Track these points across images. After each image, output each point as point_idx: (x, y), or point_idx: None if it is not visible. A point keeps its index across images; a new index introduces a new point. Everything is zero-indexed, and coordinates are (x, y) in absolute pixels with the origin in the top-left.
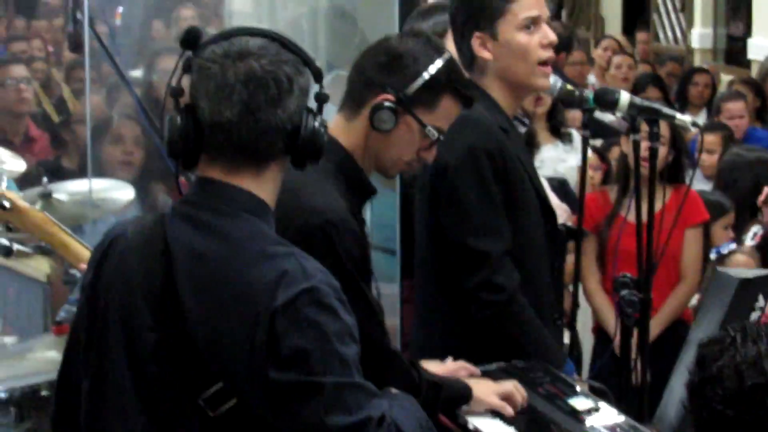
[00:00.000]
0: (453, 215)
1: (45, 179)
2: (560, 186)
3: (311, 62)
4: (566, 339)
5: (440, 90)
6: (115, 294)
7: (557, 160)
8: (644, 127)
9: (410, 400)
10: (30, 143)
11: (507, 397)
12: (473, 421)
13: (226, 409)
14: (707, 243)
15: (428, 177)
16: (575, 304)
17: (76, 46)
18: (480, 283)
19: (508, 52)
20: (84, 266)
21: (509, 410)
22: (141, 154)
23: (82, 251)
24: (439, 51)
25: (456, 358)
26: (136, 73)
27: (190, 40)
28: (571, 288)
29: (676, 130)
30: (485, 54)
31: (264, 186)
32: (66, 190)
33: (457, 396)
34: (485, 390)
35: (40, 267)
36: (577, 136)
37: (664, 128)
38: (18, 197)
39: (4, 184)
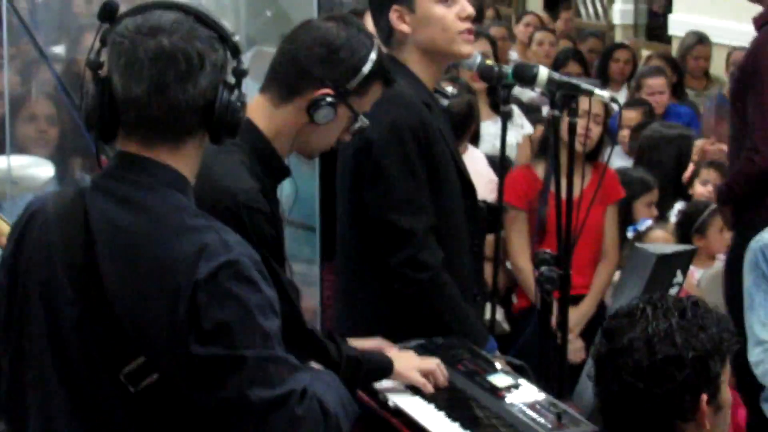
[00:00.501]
0: (376, 192)
1: None
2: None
3: (228, 37)
4: (488, 316)
5: (372, 78)
6: (35, 268)
7: (497, 136)
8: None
9: (331, 375)
10: None
11: (428, 374)
12: (393, 399)
13: (146, 385)
14: (629, 220)
15: (350, 153)
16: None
17: None
18: (404, 261)
19: (427, 24)
20: (4, 240)
21: (429, 388)
22: (55, 131)
23: (2, 225)
24: (371, 40)
25: (380, 334)
26: (57, 50)
27: (107, 13)
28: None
29: (608, 109)
30: (403, 27)
31: (182, 161)
32: None
33: (378, 369)
34: (407, 365)
35: None
36: (518, 112)
37: (598, 107)
38: None
39: None
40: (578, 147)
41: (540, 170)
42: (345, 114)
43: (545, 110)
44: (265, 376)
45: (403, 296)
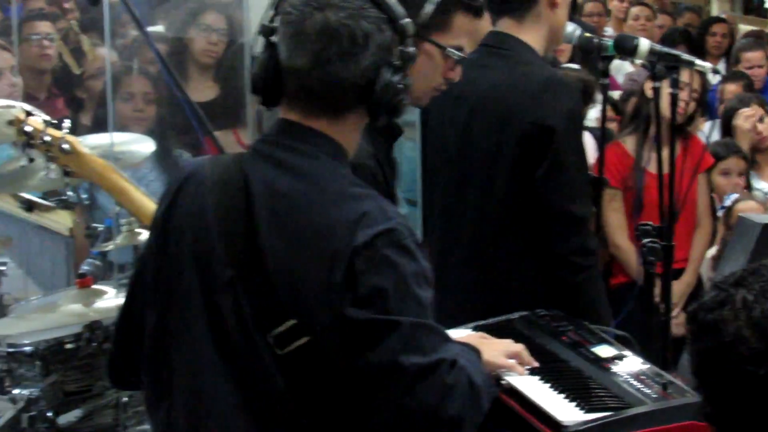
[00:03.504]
0: (555, 181)
1: (66, 120)
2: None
3: (398, 19)
4: None
5: (450, 9)
6: (188, 229)
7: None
8: None
9: (471, 353)
10: (53, 99)
11: (515, 356)
12: (508, 379)
13: (294, 348)
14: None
15: (518, 135)
16: None
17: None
18: (575, 249)
19: (565, 6)
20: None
21: (520, 369)
22: (152, 109)
23: (141, 198)
24: None
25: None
26: (156, 28)
27: None
28: None
29: (705, 83)
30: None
31: (341, 132)
32: (87, 144)
33: None
34: (493, 351)
35: (62, 221)
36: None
37: (695, 80)
38: (78, 142)
39: (66, 127)
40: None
41: (629, 145)
42: (435, 51)
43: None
44: (417, 342)
45: (561, 282)
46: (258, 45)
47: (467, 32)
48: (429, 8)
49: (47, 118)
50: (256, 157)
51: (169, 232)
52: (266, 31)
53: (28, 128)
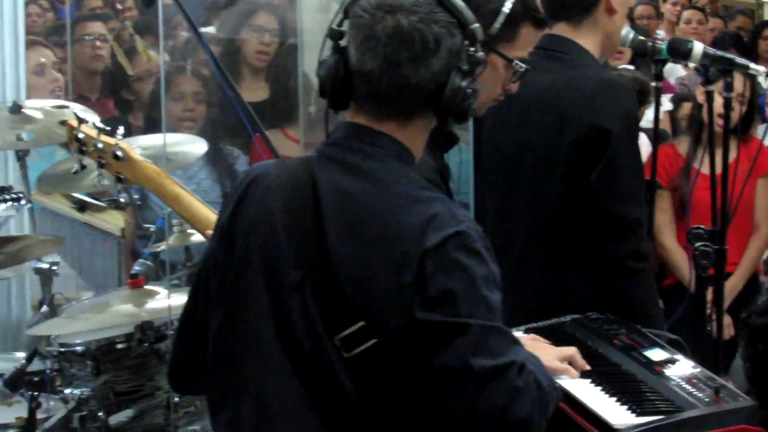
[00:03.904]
0: (609, 184)
1: (119, 126)
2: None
3: (467, 24)
4: None
5: (519, 21)
6: (255, 232)
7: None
8: None
9: (537, 357)
10: (104, 99)
11: (568, 360)
12: (560, 382)
13: (361, 350)
14: None
15: (574, 137)
16: None
17: (149, 2)
18: (628, 252)
19: (624, 8)
20: (209, 232)
21: (573, 372)
22: (203, 109)
23: (195, 204)
24: None
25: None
26: (208, 29)
27: None
28: None
29: (755, 86)
30: (615, 2)
31: (409, 136)
32: (139, 145)
33: None
34: (546, 354)
35: (114, 221)
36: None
37: (741, 84)
38: (131, 148)
39: (120, 133)
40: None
41: (683, 147)
42: (499, 63)
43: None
44: (487, 345)
45: (614, 285)
46: (326, 48)
47: (531, 43)
48: (500, 20)
49: (100, 124)
50: (323, 161)
51: (235, 236)
52: (335, 34)
53: (81, 135)
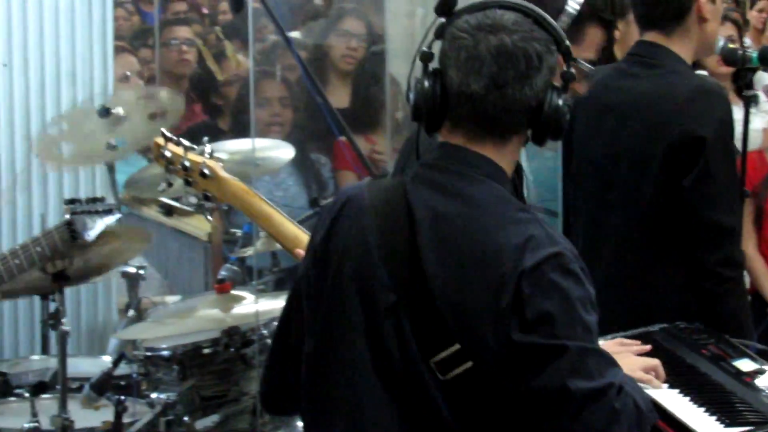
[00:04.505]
0: (703, 191)
1: (205, 138)
2: None
3: (561, 41)
4: None
5: (585, 21)
6: (348, 254)
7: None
8: None
9: (632, 378)
10: (191, 104)
11: (650, 370)
12: (648, 392)
13: (457, 374)
14: None
15: (667, 144)
16: None
17: (239, 6)
18: (722, 260)
19: (716, 19)
20: (301, 251)
21: (657, 382)
22: (289, 114)
23: (283, 221)
24: None
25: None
26: (294, 34)
27: (445, 7)
28: None
29: None
30: (706, 10)
31: (504, 156)
32: (226, 150)
33: None
34: (630, 366)
35: (201, 225)
36: (764, 98)
37: None
38: (218, 166)
39: (207, 152)
40: None
41: None
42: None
43: None
44: (585, 367)
45: (705, 293)
46: (418, 71)
47: (597, 44)
48: (564, 20)
49: (186, 142)
50: (417, 182)
51: (328, 257)
52: (426, 57)
53: (168, 153)
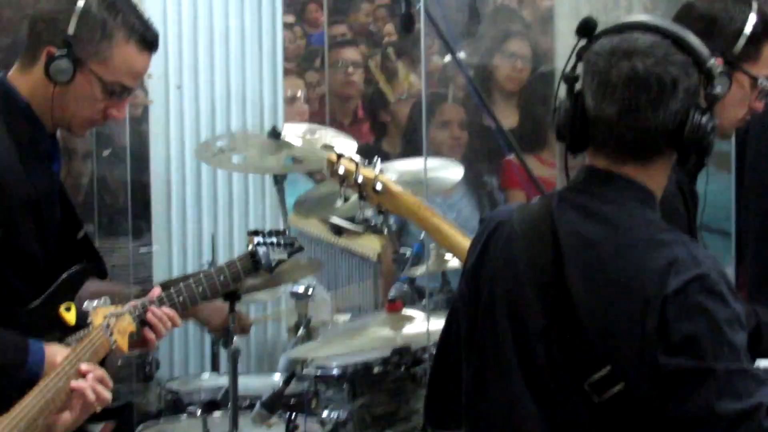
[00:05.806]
0: None
1: (377, 158)
2: None
3: (704, 62)
4: None
5: (761, 39)
6: (500, 279)
7: None
8: None
9: None
10: (358, 125)
11: None
12: None
13: (611, 395)
14: None
15: None
16: None
17: (410, 27)
18: None
19: None
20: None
21: None
22: (466, 135)
23: (456, 236)
24: (747, 2)
25: None
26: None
27: (586, 29)
28: None
29: None
30: None
31: (650, 177)
32: (395, 169)
33: None
34: None
35: (370, 245)
36: None
37: None
38: (391, 181)
39: (378, 168)
40: None
41: None
42: (745, 81)
43: None
44: (733, 388)
45: None
46: (561, 92)
47: None
48: (743, 39)
49: (358, 157)
50: (563, 205)
51: (480, 282)
52: (569, 79)
53: (341, 170)
